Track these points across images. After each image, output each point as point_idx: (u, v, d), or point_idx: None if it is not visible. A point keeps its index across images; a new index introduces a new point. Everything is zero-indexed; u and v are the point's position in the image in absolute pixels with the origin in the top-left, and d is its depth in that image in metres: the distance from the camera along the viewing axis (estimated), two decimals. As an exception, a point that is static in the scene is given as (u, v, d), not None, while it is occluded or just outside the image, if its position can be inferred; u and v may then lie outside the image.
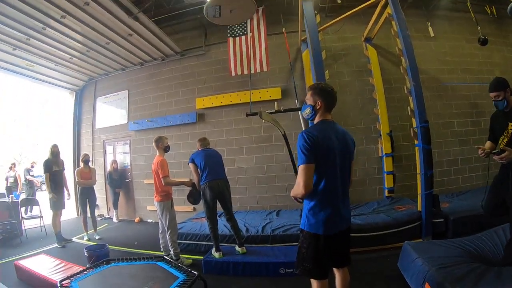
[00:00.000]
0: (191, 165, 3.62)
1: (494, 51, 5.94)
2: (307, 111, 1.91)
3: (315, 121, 1.91)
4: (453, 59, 5.77)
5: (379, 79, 5.22)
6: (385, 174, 5.15)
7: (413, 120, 3.83)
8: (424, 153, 3.67)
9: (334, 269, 2.05)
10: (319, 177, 1.73)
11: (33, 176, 7.79)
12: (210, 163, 3.54)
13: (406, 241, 2.91)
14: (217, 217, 3.66)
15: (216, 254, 3.47)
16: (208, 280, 2.63)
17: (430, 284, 2.21)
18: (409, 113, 3.85)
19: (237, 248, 3.57)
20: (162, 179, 3.49)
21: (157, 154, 3.69)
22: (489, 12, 5.66)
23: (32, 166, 8.16)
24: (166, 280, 2.47)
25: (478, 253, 2.57)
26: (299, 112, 5.24)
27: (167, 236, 3.62)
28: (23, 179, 7.61)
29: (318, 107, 1.85)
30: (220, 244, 3.60)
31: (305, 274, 1.88)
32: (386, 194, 5.12)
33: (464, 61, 5.82)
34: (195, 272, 2.57)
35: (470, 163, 5.54)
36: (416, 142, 3.81)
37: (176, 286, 2.34)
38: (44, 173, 4.71)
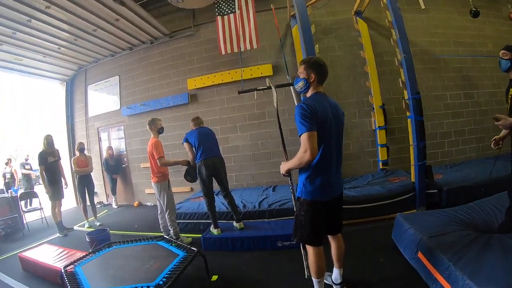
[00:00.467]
0: (185, 144, 3.64)
1: (487, 23, 5.90)
2: (301, 84, 1.97)
3: (309, 94, 1.98)
4: (445, 32, 5.72)
5: (370, 52, 5.18)
6: (379, 147, 5.18)
7: (405, 92, 3.82)
8: (417, 125, 3.69)
9: (329, 237, 2.16)
10: (318, 146, 1.78)
11: (29, 169, 7.76)
12: (204, 142, 3.55)
13: (398, 213, 2.96)
14: (214, 194, 3.69)
15: (214, 231, 3.53)
16: (208, 256, 2.73)
17: (423, 252, 2.27)
18: (401, 85, 3.84)
19: (235, 224, 3.62)
20: (157, 160, 3.50)
21: (151, 136, 3.70)
22: (481, -16, 5.59)
23: (27, 159, 8.13)
24: (167, 258, 2.58)
25: (470, 221, 2.60)
26: (291, 87, 5.23)
27: (166, 216, 3.67)
28: (20, 174, 7.60)
29: (311, 80, 1.93)
30: (218, 221, 3.65)
31: (302, 241, 2.00)
32: (380, 166, 5.17)
33: (456, 33, 5.76)
34: (194, 249, 2.68)
35: (463, 135, 5.58)
36: (408, 114, 3.81)
37: (177, 262, 2.45)
38: (39, 165, 4.67)
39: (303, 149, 1.71)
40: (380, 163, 5.18)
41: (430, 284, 2.10)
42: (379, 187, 4.10)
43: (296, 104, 5.31)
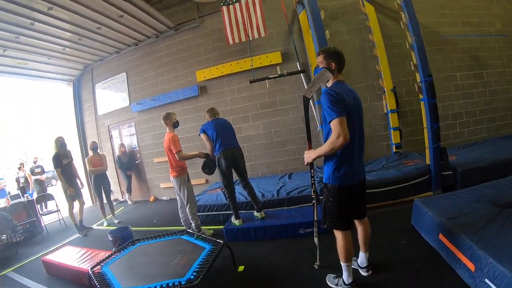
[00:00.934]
0: (202, 135, 3.61)
1: (494, 2, 5.79)
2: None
3: (330, 83, 2.02)
4: (452, 12, 5.63)
5: (379, 35, 5.11)
6: (392, 130, 5.16)
7: (417, 75, 3.80)
8: (430, 107, 3.67)
9: (356, 222, 2.22)
10: None
11: (40, 171, 7.82)
12: (221, 133, 3.52)
13: (416, 199, 2.97)
14: (234, 185, 3.68)
15: (236, 222, 3.55)
16: (232, 247, 2.77)
17: (444, 234, 2.30)
18: (412, 68, 3.81)
19: (255, 213, 3.63)
20: (176, 154, 3.49)
21: (167, 131, 3.69)
22: (489, -39, 5.50)
23: (35, 162, 8.18)
24: (194, 251, 2.60)
25: (487, 200, 2.61)
26: (301, 75, 5.23)
27: (187, 209, 3.68)
28: (33, 178, 7.67)
29: (332, 69, 1.97)
30: (238, 211, 3.66)
31: (331, 226, 2.04)
32: (394, 150, 5.15)
33: (464, 13, 5.67)
34: (220, 241, 2.70)
35: (475, 116, 5.55)
36: (421, 96, 3.79)
37: (205, 255, 2.47)
38: (55, 168, 4.68)
39: (336, 134, 1.75)
40: (394, 147, 5.16)
41: (453, 264, 2.13)
42: (394, 170, 4.10)
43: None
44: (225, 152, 3.46)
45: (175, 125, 3.73)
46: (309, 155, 2.06)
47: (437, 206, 2.65)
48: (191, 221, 3.69)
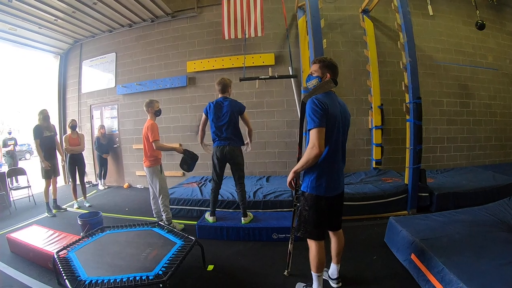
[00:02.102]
0: (203, 116, 3.40)
1: (490, 36, 5.98)
2: (314, 82, 1.99)
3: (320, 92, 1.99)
4: (448, 40, 5.77)
5: (374, 51, 5.16)
6: (374, 146, 5.21)
7: (406, 96, 3.84)
8: (415, 129, 3.71)
9: (330, 233, 2.21)
10: (326, 142, 1.83)
11: (14, 144, 7.49)
12: (217, 122, 3.28)
13: (391, 216, 2.98)
14: (220, 180, 3.48)
15: (210, 218, 3.46)
16: (203, 245, 2.71)
17: (416, 254, 2.30)
18: (403, 88, 3.86)
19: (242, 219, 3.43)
20: (153, 142, 3.39)
21: (148, 118, 3.58)
22: (489, -3, 5.64)
23: (10, 133, 7.82)
24: (164, 245, 2.53)
25: (462, 225, 2.64)
26: (291, 79, 5.20)
27: (159, 201, 3.58)
28: (4, 150, 7.33)
29: (325, 79, 1.95)
30: (216, 209, 3.56)
31: (305, 235, 2.01)
32: (374, 165, 5.21)
33: (459, 42, 5.83)
34: (192, 238, 2.64)
35: (456, 142, 5.70)
36: (407, 117, 3.83)
37: (175, 251, 2.41)
38: (34, 139, 4.48)
39: (311, 144, 1.77)
40: (374, 162, 5.22)
41: (423, 285, 2.14)
42: (372, 185, 4.14)
43: (295, 97, 5.34)
44: (217, 148, 3.30)
45: (157, 113, 3.62)
46: (289, 176, 2.01)
47: (411, 226, 2.66)
48: (162, 213, 3.59)
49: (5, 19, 5.23)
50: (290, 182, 2.03)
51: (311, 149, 1.76)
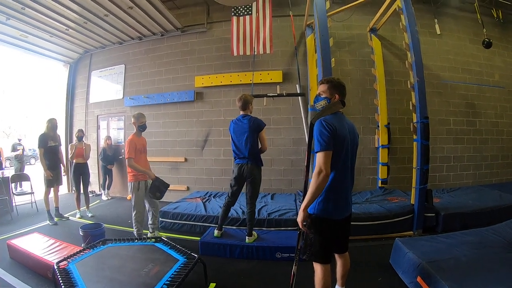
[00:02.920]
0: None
1: (496, 54, 6.01)
2: (322, 103, 1.97)
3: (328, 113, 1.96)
4: (455, 58, 5.80)
5: (381, 70, 5.19)
6: (380, 165, 5.19)
7: (414, 115, 3.83)
8: (422, 148, 3.69)
9: (336, 255, 2.15)
10: (334, 165, 1.80)
11: (22, 149, 7.55)
12: (236, 141, 3.29)
13: (397, 238, 2.94)
14: (235, 197, 3.45)
15: (215, 232, 3.43)
16: (206, 261, 2.64)
17: (422, 277, 2.25)
18: (411, 108, 3.85)
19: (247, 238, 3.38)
20: (126, 159, 3.35)
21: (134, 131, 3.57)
22: (495, 15, 5.69)
23: (20, 139, 7.90)
24: (166, 262, 2.48)
25: (469, 247, 2.60)
26: (299, 97, 5.22)
27: (132, 214, 3.55)
28: (9, 154, 7.41)
29: (334, 100, 1.93)
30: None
31: (311, 258, 1.95)
32: (379, 184, 5.17)
33: (466, 61, 5.86)
34: (195, 255, 2.59)
35: (462, 161, 5.66)
36: (415, 136, 3.81)
37: (177, 268, 2.36)
38: (38, 147, 4.50)
39: (317, 169, 1.73)
40: (380, 181, 5.18)
41: None
42: (377, 205, 4.10)
43: (302, 115, 5.35)
44: (237, 166, 3.30)
45: (140, 128, 3.56)
46: (300, 215, 1.87)
47: (418, 247, 2.62)
48: (133, 226, 3.56)
49: (17, 26, 5.34)
50: (303, 223, 1.84)
51: (318, 174, 1.72)
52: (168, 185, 3.62)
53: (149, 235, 3.58)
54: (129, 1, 4.86)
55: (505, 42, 6.13)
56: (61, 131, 6.93)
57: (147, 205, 3.67)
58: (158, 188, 3.54)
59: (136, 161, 3.41)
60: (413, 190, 3.90)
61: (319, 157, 1.74)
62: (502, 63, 6.09)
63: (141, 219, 3.59)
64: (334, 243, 1.96)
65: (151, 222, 3.67)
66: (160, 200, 3.65)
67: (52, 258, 2.75)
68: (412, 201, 3.92)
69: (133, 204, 3.53)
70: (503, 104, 6.00)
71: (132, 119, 3.57)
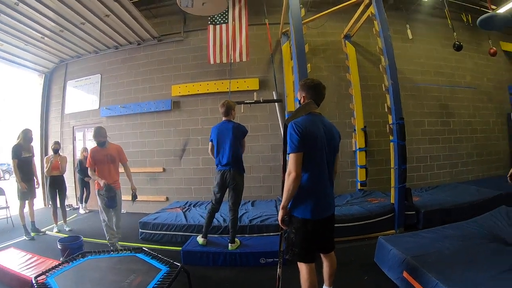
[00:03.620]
0: (210, 144, 3.39)
1: (467, 57, 6.28)
2: (296, 104, 1.97)
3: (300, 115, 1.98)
4: (428, 62, 6.02)
5: (356, 75, 5.32)
6: (358, 168, 5.29)
7: (389, 117, 3.94)
8: (399, 149, 3.79)
9: (322, 255, 2.15)
10: (307, 165, 1.83)
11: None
12: (220, 145, 3.25)
13: (380, 236, 2.99)
14: (219, 205, 3.44)
15: (200, 240, 3.39)
16: (189, 271, 2.58)
17: (408, 271, 2.30)
18: (386, 110, 3.96)
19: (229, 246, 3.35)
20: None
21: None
22: (465, 20, 5.91)
23: None
24: (148, 272, 2.42)
25: (451, 240, 2.68)
26: (275, 104, 5.26)
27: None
28: None
29: (302, 101, 1.96)
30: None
31: (294, 258, 1.96)
32: (359, 187, 5.26)
33: (438, 64, 6.09)
34: (178, 264, 2.53)
35: (439, 160, 5.84)
36: (391, 137, 3.92)
37: (161, 278, 2.30)
38: (12, 159, 4.36)
39: (287, 171, 1.80)
40: (359, 184, 5.27)
41: None
42: (358, 207, 4.17)
43: (279, 121, 5.37)
44: (219, 172, 3.27)
45: (99, 145, 3.62)
46: (279, 214, 1.94)
47: (401, 244, 2.67)
48: (106, 235, 3.63)
49: None
50: (282, 220, 1.92)
51: (288, 176, 1.78)
52: (115, 191, 3.58)
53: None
54: (106, 9, 4.78)
55: (475, 44, 6.42)
56: (36, 143, 6.71)
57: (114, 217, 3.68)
58: (111, 197, 3.50)
59: (99, 171, 3.51)
60: (392, 190, 4.00)
61: (289, 159, 1.80)
62: (473, 65, 6.37)
63: (107, 228, 3.60)
64: (316, 243, 1.95)
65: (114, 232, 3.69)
66: (115, 207, 3.62)
67: (30, 273, 2.69)
68: (392, 201, 4.02)
69: (99, 212, 3.59)
70: (475, 104, 6.26)
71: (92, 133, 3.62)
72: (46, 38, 5.60)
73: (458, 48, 5.19)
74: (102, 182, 3.46)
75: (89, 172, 3.64)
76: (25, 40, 5.56)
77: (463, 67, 6.26)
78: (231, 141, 3.20)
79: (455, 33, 5.11)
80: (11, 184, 4.83)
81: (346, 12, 5.12)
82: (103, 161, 3.56)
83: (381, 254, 2.83)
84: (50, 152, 4.91)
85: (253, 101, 4.66)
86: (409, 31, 5.71)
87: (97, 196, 3.58)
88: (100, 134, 3.62)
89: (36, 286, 2.19)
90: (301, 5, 3.96)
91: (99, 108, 6.38)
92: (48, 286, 2.21)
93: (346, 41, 5.42)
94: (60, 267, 2.56)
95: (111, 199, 3.51)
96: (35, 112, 7.13)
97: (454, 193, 4.65)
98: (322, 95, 1.98)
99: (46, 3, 4.46)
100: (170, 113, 5.87)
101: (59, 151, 5.07)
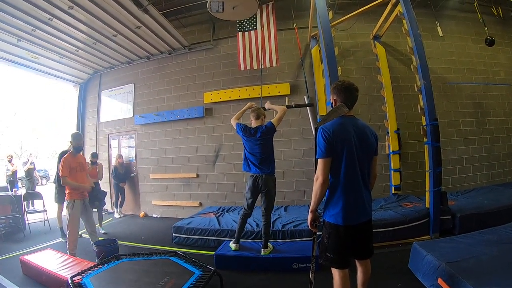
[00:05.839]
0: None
1: (500, 52, 6.01)
2: (329, 108, 1.98)
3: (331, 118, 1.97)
4: (460, 59, 5.82)
5: (387, 76, 5.23)
6: (392, 172, 5.18)
7: (423, 118, 3.85)
8: (433, 151, 3.69)
9: (357, 261, 2.10)
10: (337, 170, 1.82)
11: (31, 169, 7.70)
12: (252, 152, 3.27)
13: (414, 242, 2.93)
14: (251, 210, 3.44)
15: (232, 245, 3.43)
16: (222, 275, 2.64)
17: (443, 278, 2.24)
18: (419, 111, 3.87)
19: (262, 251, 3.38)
20: (61, 178, 3.38)
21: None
22: (495, 13, 5.71)
23: (28, 160, 8.04)
24: (182, 275, 2.49)
25: (488, 245, 2.60)
26: (307, 108, 5.27)
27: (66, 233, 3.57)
28: (22, 173, 7.53)
29: (334, 105, 1.94)
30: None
31: (327, 263, 1.94)
32: (393, 191, 5.14)
33: (470, 61, 5.87)
34: (211, 268, 2.60)
35: (475, 162, 5.61)
36: (425, 139, 3.83)
37: (194, 281, 2.36)
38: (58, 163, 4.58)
39: (315, 176, 1.81)
40: (393, 188, 5.16)
41: None
42: (392, 211, 4.09)
43: (311, 126, 5.37)
44: (251, 178, 3.29)
45: (76, 149, 3.58)
46: (308, 217, 1.95)
47: (436, 249, 2.61)
48: (66, 245, 3.47)
49: (28, 47, 5.46)
50: (312, 223, 1.92)
51: (315, 181, 1.80)
52: (105, 192, 3.70)
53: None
54: (137, 21, 4.98)
55: (508, 39, 6.13)
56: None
57: (87, 228, 3.63)
58: (96, 196, 3.63)
59: (72, 179, 3.42)
60: (427, 194, 3.89)
61: (318, 164, 1.81)
62: (507, 60, 6.09)
63: (74, 238, 3.48)
64: (350, 249, 1.91)
65: (92, 243, 3.59)
66: (102, 211, 3.74)
67: (66, 273, 2.77)
68: (427, 205, 3.90)
69: (67, 223, 3.50)
70: (511, 101, 5.96)
71: (70, 138, 3.60)
72: (80, 50, 5.89)
73: (491, 43, 5.00)
74: (89, 187, 3.54)
75: (65, 181, 3.38)
76: (60, 53, 5.88)
77: (497, 63, 5.99)
78: (263, 144, 3.26)
79: (486, 28, 4.92)
80: (48, 190, 5.06)
81: (373, 13, 5.08)
82: (76, 169, 3.51)
83: (416, 260, 2.78)
84: (88, 162, 5.08)
85: (285, 106, 4.69)
86: (439, 28, 5.55)
87: (68, 208, 3.45)
88: (79, 140, 3.65)
89: (72, 286, 2.29)
90: (328, 8, 3.97)
91: (133, 116, 6.64)
92: (84, 286, 2.30)
93: (376, 42, 5.35)
94: (95, 268, 2.67)
95: (100, 199, 3.66)
96: (72, 121, 7.54)
97: (491, 196, 4.46)
98: (354, 97, 1.94)
99: (78, 17, 4.69)
100: (203, 120, 6.01)
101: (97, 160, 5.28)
